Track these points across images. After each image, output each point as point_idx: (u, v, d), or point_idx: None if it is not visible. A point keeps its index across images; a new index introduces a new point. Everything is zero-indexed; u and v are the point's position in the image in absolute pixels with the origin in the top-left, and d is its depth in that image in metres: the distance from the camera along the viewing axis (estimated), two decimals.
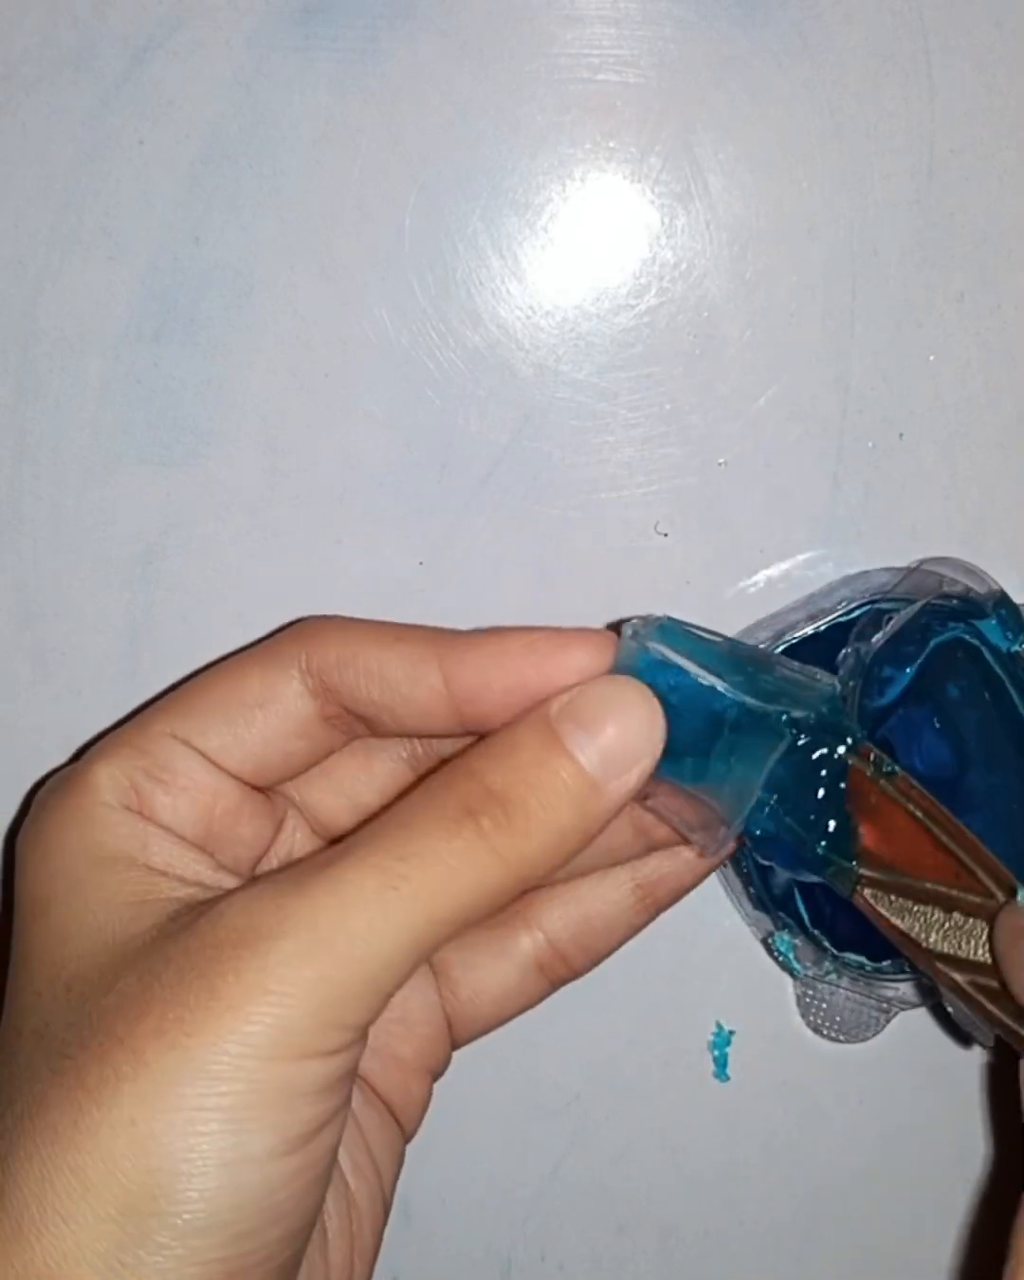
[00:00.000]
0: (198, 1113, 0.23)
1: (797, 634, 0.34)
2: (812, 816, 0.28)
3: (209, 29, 0.32)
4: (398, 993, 0.27)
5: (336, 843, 0.31)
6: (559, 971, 0.32)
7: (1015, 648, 0.34)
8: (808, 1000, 0.36)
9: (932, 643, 0.33)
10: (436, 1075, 0.32)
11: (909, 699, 0.33)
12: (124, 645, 0.35)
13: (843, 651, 0.33)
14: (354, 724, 0.29)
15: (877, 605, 0.34)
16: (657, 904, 0.32)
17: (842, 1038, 0.36)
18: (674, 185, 0.33)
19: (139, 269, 0.33)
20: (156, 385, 0.34)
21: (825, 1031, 0.36)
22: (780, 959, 0.36)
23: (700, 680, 0.27)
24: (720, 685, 0.27)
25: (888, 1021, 0.36)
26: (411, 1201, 0.37)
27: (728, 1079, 0.37)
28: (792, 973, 0.36)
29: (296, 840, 0.31)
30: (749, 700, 0.27)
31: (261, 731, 0.29)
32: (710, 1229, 0.38)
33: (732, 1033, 0.37)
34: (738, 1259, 0.38)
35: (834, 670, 0.33)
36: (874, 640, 0.32)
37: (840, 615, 0.34)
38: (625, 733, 0.26)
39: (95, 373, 0.34)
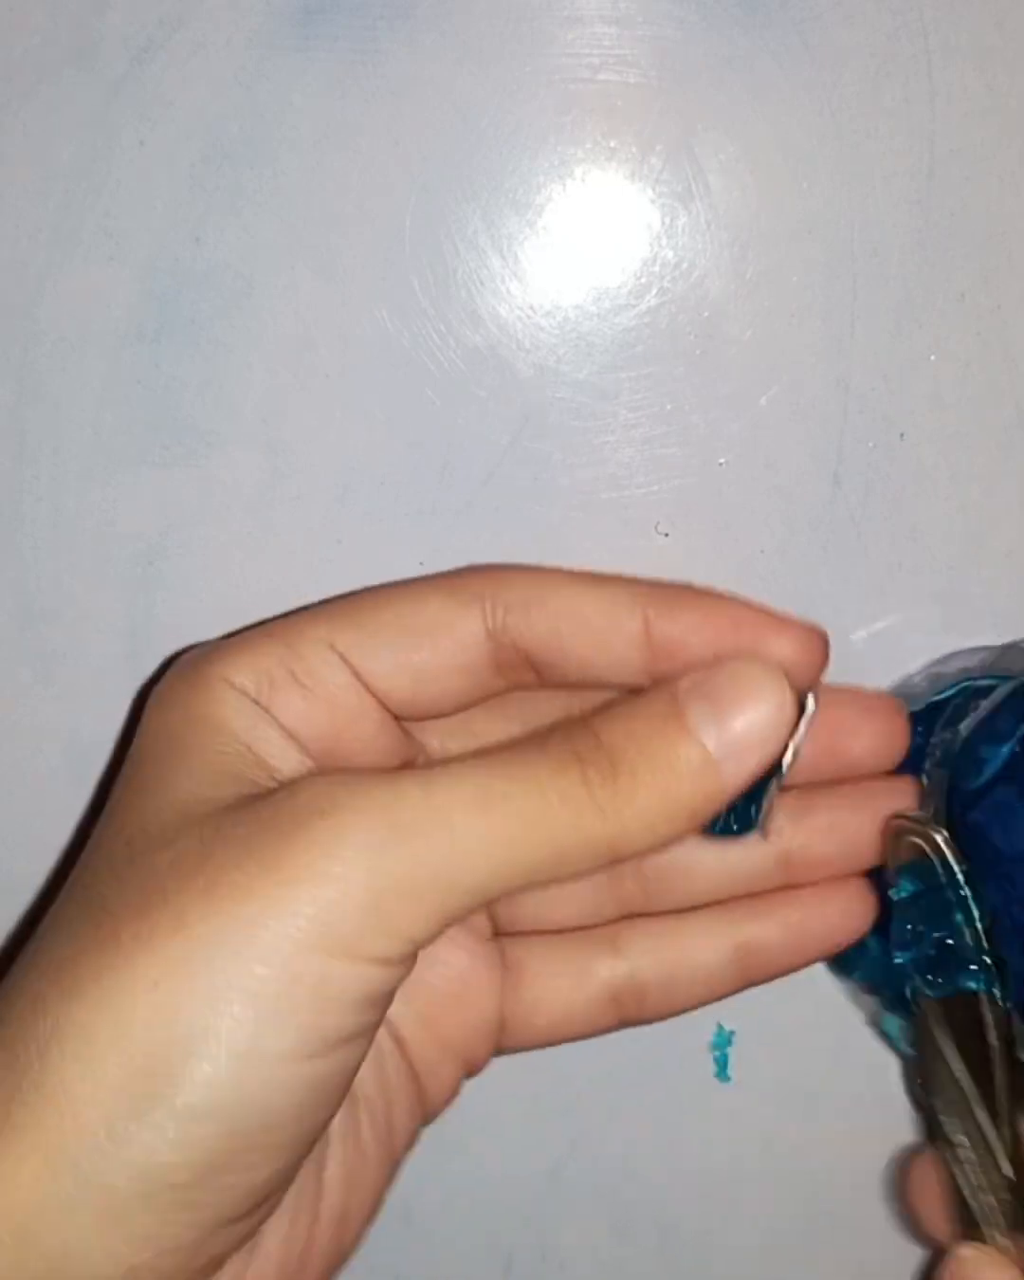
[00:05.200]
0: (226, 990, 0.22)
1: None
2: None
3: (209, 29, 0.32)
4: (457, 968, 0.27)
5: None
6: (631, 1010, 0.30)
7: None
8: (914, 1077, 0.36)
9: None
10: (470, 1072, 0.30)
11: (1003, 778, 0.32)
12: (124, 645, 0.35)
13: (932, 740, 0.32)
14: (523, 671, 0.28)
15: (973, 683, 0.33)
16: (751, 975, 0.30)
17: None
18: (674, 185, 0.33)
19: (139, 269, 0.33)
20: (156, 385, 0.34)
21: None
22: (889, 1040, 0.35)
23: None
24: None
25: None
26: (412, 1201, 0.37)
27: (728, 1079, 0.37)
28: (899, 1053, 0.35)
29: None
30: None
31: (426, 660, 0.27)
32: (710, 1229, 0.38)
33: (732, 1033, 0.37)
34: (738, 1259, 0.38)
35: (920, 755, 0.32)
36: (968, 721, 0.31)
37: (933, 695, 0.33)
38: (754, 719, 0.25)
39: (95, 373, 0.34)
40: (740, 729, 0.25)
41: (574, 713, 0.29)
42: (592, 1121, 0.37)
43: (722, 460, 0.35)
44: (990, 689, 0.33)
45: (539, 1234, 0.38)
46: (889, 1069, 0.37)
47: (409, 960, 0.24)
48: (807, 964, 0.31)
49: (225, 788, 0.25)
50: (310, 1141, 0.24)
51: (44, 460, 0.34)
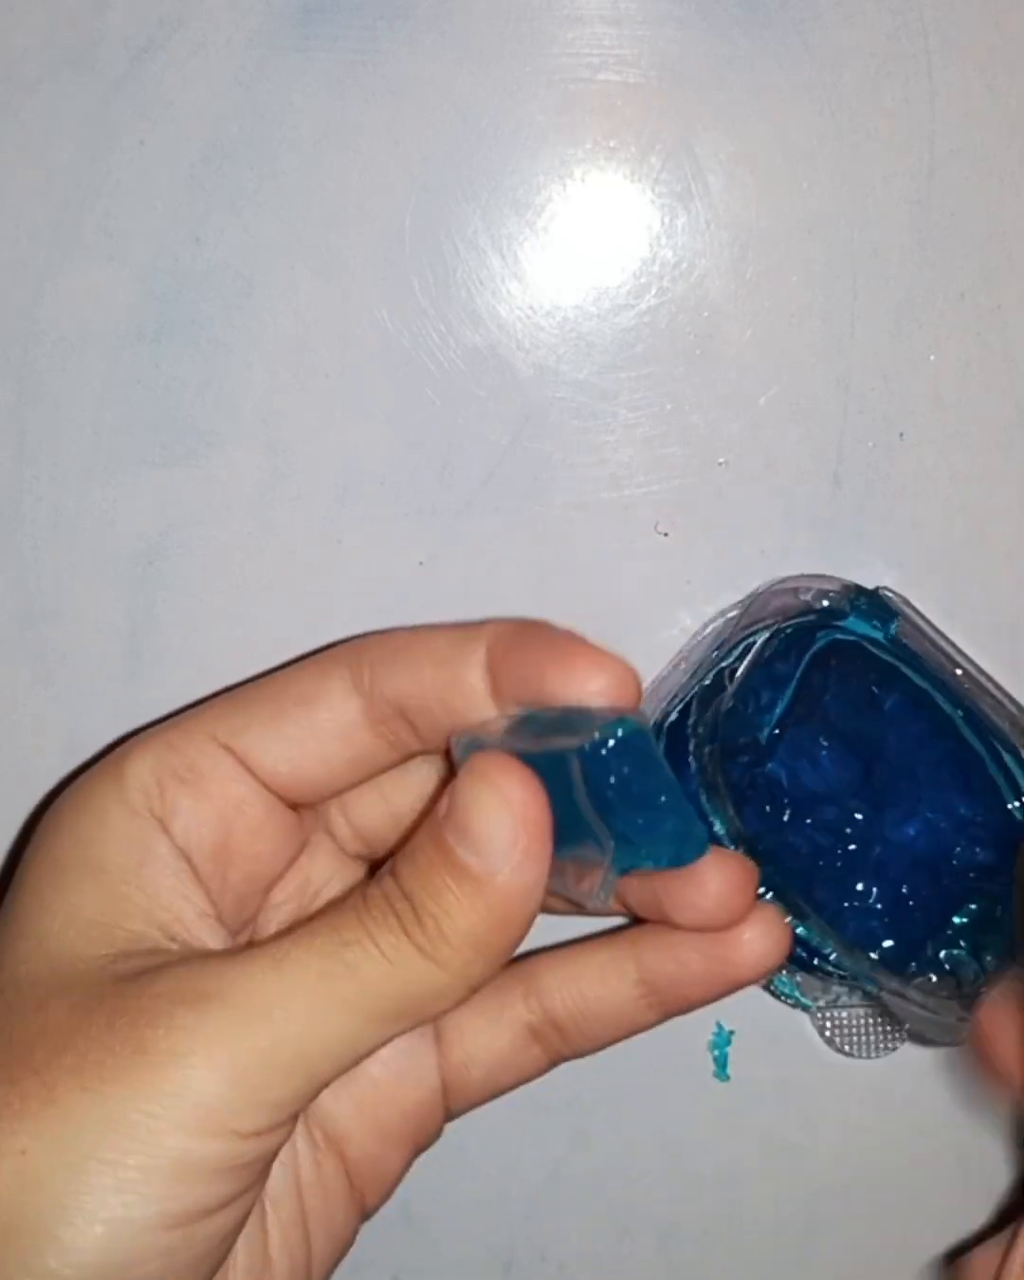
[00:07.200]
0: (91, 1161, 0.23)
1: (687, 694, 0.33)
2: (653, 818, 0.27)
3: (209, 29, 0.32)
4: (394, 1056, 0.27)
5: (372, 866, 0.31)
6: (555, 1046, 0.31)
7: (890, 632, 0.33)
8: (827, 1026, 0.36)
9: (807, 655, 0.32)
10: (420, 1148, 0.31)
11: (791, 720, 0.32)
12: (124, 645, 0.35)
13: (690, 723, 0.32)
14: (400, 730, 0.28)
15: (718, 667, 0.33)
16: (665, 1008, 0.30)
17: (868, 1054, 0.36)
18: (674, 185, 0.33)
19: (139, 269, 0.33)
20: (156, 385, 0.34)
21: (848, 1050, 0.36)
22: (788, 999, 0.35)
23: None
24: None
25: (904, 1036, 0.36)
26: (412, 1201, 0.37)
27: (728, 1079, 0.37)
28: (804, 1007, 0.36)
29: (317, 866, 0.30)
30: (527, 749, 0.26)
31: (304, 731, 0.28)
32: (710, 1229, 0.38)
33: (732, 1033, 0.37)
34: (738, 1259, 0.38)
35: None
36: (732, 686, 0.31)
37: (724, 660, 0.33)
38: (490, 826, 0.25)
39: (95, 373, 0.34)
40: (485, 837, 0.25)
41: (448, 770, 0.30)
42: (591, 1121, 0.37)
43: (722, 460, 0.35)
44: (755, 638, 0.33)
45: (539, 1234, 0.38)
46: (889, 1068, 0.37)
47: (286, 1125, 0.25)
48: (727, 993, 0.30)
49: (98, 945, 0.26)
50: None
51: (44, 460, 0.34)
